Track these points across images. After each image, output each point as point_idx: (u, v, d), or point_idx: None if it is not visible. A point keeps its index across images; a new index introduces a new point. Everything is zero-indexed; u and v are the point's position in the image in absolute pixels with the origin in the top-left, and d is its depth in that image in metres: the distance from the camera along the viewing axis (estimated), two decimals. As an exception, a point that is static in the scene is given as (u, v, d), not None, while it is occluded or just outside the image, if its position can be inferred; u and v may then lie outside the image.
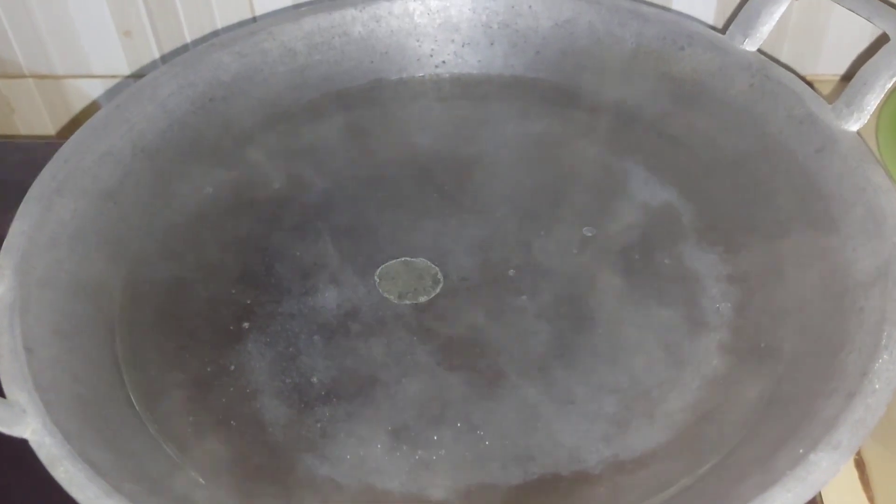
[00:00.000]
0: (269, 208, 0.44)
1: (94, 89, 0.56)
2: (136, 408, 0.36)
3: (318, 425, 0.36)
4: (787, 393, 0.34)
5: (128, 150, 0.43)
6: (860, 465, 0.39)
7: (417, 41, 0.49)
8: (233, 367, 0.38)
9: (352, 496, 0.34)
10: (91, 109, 0.56)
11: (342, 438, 0.35)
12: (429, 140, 0.47)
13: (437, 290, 0.40)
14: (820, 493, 0.37)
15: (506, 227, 0.43)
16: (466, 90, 0.49)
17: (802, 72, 0.53)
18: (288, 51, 0.48)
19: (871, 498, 0.39)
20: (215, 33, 0.52)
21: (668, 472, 0.34)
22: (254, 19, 0.52)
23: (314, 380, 0.37)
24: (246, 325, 0.39)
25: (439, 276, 0.41)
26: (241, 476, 0.34)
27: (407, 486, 0.34)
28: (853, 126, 0.40)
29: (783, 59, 0.52)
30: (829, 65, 0.53)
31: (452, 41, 0.49)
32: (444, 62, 0.49)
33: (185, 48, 0.53)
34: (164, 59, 0.54)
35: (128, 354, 0.38)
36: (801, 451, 0.30)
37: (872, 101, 0.39)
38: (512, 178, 0.45)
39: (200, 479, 0.34)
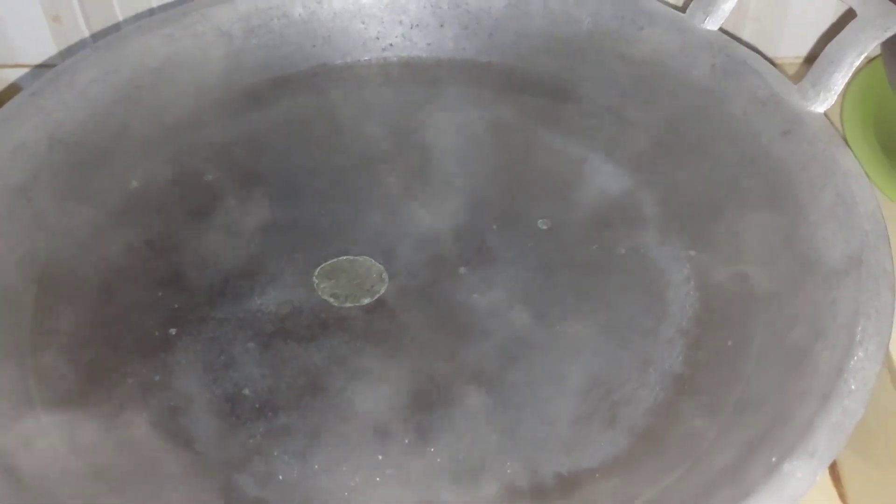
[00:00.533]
0: (200, 204, 0.41)
1: (20, 80, 0.53)
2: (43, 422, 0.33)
3: (252, 441, 0.33)
4: (757, 394, 0.32)
5: (43, 143, 0.40)
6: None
7: (363, 23, 0.47)
8: (157, 378, 0.35)
9: (288, 519, 0.31)
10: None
11: (277, 456, 0.33)
12: (375, 128, 0.44)
13: (383, 291, 0.38)
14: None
15: (456, 220, 0.40)
16: (415, 75, 0.47)
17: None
18: (223, 34, 0.45)
19: (842, 495, 0.38)
20: (151, 12, 0.50)
21: (631, 482, 0.32)
22: (189, -1, 0.49)
23: (247, 391, 0.34)
24: (173, 331, 0.36)
25: (384, 275, 0.38)
26: (166, 500, 0.31)
27: (349, 506, 0.31)
28: (820, 107, 0.38)
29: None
30: (791, 47, 0.52)
31: (400, 23, 0.47)
32: (391, 45, 0.47)
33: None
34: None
35: (39, 368, 0.35)
36: (773, 459, 0.28)
37: (840, 81, 0.37)
38: (463, 167, 0.43)
39: (119, 505, 0.31)
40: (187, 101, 0.44)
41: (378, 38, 0.47)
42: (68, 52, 0.51)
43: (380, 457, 0.33)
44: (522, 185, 0.42)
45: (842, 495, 0.39)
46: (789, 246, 0.36)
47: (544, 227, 0.40)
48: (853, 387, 0.29)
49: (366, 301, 0.37)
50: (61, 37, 0.50)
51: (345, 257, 0.39)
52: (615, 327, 0.36)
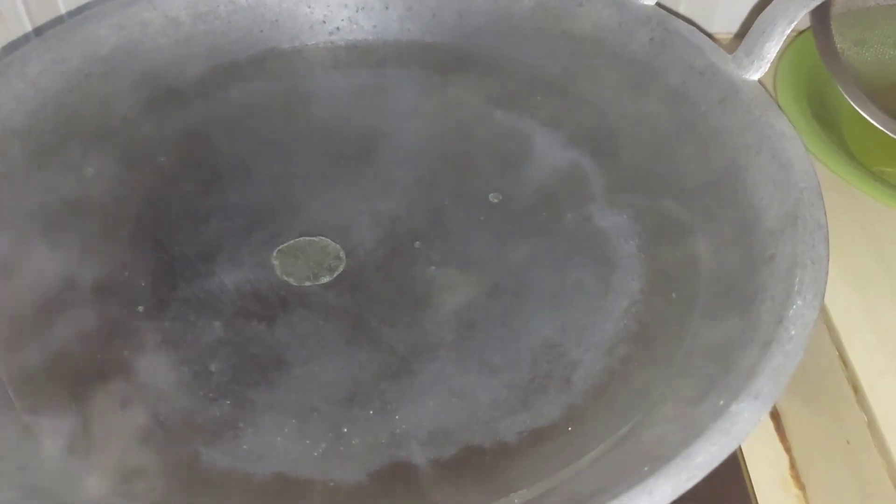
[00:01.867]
0: (157, 189, 0.41)
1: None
2: (15, 406, 0.33)
3: (220, 415, 0.34)
4: (703, 346, 0.34)
5: (-6, 134, 0.40)
6: (775, 416, 0.39)
7: (309, 7, 0.47)
8: (126, 353, 0.35)
9: (259, 487, 0.32)
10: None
11: (244, 428, 0.33)
12: (325, 111, 0.45)
13: (341, 268, 0.38)
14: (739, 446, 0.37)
15: (409, 197, 0.41)
16: (362, 57, 0.47)
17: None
18: (170, 21, 0.45)
19: (787, 448, 0.40)
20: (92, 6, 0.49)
21: (588, 435, 0.33)
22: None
23: (213, 368, 0.35)
24: (141, 308, 0.37)
25: (342, 253, 0.39)
26: (138, 476, 0.32)
27: (319, 472, 0.32)
28: (754, 75, 0.39)
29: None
30: (724, 24, 0.53)
31: (346, 6, 0.47)
32: (337, 29, 0.47)
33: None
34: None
35: (3, 351, 0.35)
36: (721, 402, 0.29)
37: (772, 49, 0.39)
38: (413, 146, 0.43)
39: (91, 484, 0.31)
40: (138, 88, 0.44)
41: (325, 22, 0.47)
42: (11, 48, 0.50)
43: (345, 429, 0.33)
44: (472, 161, 0.43)
45: (787, 448, 0.40)
46: (729, 207, 0.37)
47: (495, 201, 0.41)
48: (793, 332, 0.30)
49: (325, 279, 0.38)
50: (4, 32, 0.50)
51: (302, 238, 0.39)
52: (567, 292, 0.37)
